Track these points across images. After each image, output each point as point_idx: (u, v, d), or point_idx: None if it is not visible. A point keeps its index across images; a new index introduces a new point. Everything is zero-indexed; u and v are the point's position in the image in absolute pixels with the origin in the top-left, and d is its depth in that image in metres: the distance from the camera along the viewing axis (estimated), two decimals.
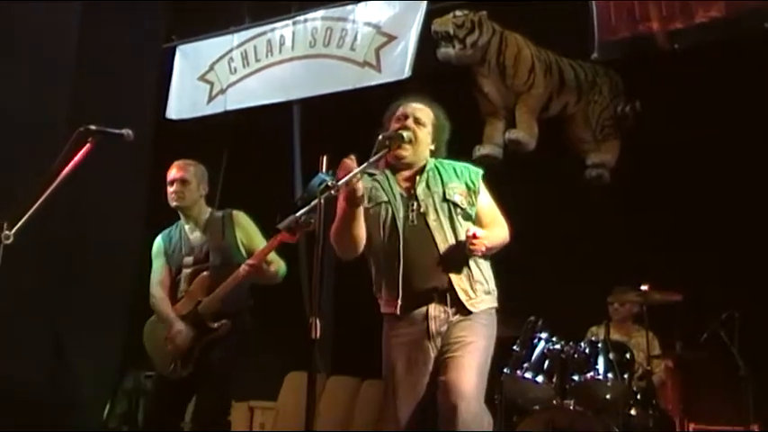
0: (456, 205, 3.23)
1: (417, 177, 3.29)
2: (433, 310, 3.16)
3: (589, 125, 6.30)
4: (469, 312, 3.14)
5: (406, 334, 3.20)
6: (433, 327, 3.15)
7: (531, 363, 4.85)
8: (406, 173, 3.32)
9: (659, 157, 5.80)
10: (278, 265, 4.23)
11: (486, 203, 3.33)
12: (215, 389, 4.05)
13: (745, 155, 5.48)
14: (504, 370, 4.85)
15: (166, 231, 4.41)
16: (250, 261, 4.04)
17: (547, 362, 4.86)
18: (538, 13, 5.65)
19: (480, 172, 3.38)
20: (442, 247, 3.16)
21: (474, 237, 3.08)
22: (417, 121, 3.29)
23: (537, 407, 4.76)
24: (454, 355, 3.08)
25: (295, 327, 3.47)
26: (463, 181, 3.31)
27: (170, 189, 4.28)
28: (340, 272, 6.72)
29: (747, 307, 5.01)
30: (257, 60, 6.40)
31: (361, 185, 3.11)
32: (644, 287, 5.08)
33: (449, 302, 3.15)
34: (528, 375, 4.81)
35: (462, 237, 3.16)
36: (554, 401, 4.73)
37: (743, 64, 5.30)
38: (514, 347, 4.92)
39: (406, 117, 3.29)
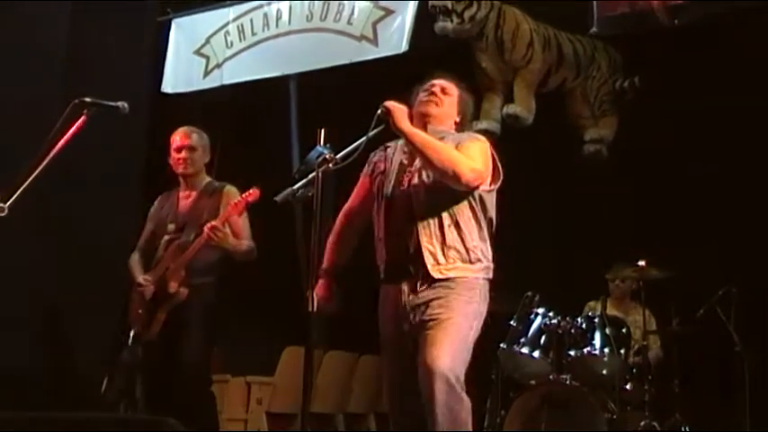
0: None
1: None
2: (406, 284, 3.12)
3: (587, 100, 6.28)
4: (435, 280, 3.06)
5: (389, 308, 3.20)
6: (404, 299, 3.11)
7: (528, 338, 4.86)
8: None
9: (658, 133, 5.78)
10: (247, 240, 4.21)
11: (464, 143, 3.19)
12: (184, 360, 4.04)
13: (744, 130, 5.46)
14: (501, 345, 4.87)
15: (166, 193, 4.47)
16: (211, 223, 4.03)
17: (544, 337, 4.87)
18: None
19: (471, 138, 3.25)
20: (420, 212, 3.12)
21: None
22: (444, 91, 3.31)
23: (533, 382, 4.78)
24: (428, 333, 3.01)
25: (292, 301, 3.48)
26: (453, 146, 3.18)
27: (177, 156, 4.30)
28: None
29: (744, 283, 5.02)
30: (254, 34, 6.34)
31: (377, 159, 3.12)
32: (641, 263, 5.08)
33: (416, 271, 3.09)
34: (525, 350, 4.83)
35: (447, 204, 3.11)
36: (550, 376, 4.75)
37: (742, 39, 5.26)
38: (511, 322, 4.93)
39: (433, 86, 3.31)
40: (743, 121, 5.45)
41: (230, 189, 4.32)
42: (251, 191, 4.09)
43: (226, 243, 4.08)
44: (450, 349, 2.99)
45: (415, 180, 3.17)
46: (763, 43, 5.20)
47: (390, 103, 3.13)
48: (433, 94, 3.29)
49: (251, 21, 6.35)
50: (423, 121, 3.25)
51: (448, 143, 3.17)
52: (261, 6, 6.35)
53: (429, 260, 3.07)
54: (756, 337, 5.04)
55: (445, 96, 3.31)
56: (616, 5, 5.27)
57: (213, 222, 4.04)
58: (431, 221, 3.11)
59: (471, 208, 3.16)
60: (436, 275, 3.07)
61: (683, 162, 5.71)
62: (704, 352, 5.24)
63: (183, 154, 4.28)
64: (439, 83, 3.34)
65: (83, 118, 3.17)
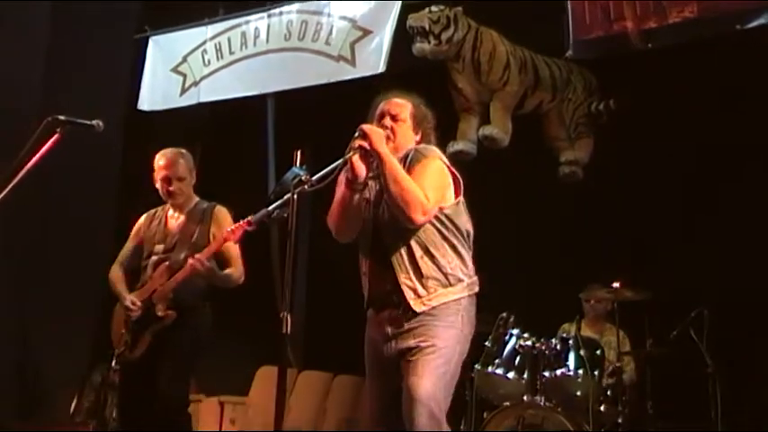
0: None
1: None
2: (390, 313, 3.12)
3: (563, 123, 6.32)
4: (417, 313, 3.06)
5: (373, 332, 3.21)
6: (389, 330, 3.12)
7: (503, 359, 4.87)
8: None
9: (632, 155, 5.84)
10: (237, 268, 4.15)
11: (418, 168, 3.14)
12: (166, 383, 3.96)
13: (716, 153, 5.53)
14: (476, 366, 4.87)
15: (153, 211, 4.36)
16: (197, 256, 3.96)
17: (518, 358, 4.88)
18: (513, 11, 5.65)
19: (422, 155, 3.18)
20: (391, 246, 3.12)
21: None
22: (395, 118, 3.25)
23: (507, 403, 4.78)
24: (411, 360, 3.02)
25: (267, 321, 3.46)
26: (406, 168, 3.15)
27: (166, 187, 4.18)
28: (313, 267, 6.72)
29: (716, 305, 5.07)
30: (231, 53, 6.34)
31: (363, 171, 3.11)
32: (615, 284, 5.12)
33: (399, 302, 3.09)
34: (499, 371, 4.83)
35: (414, 233, 3.09)
36: (524, 397, 4.75)
37: (716, 64, 5.34)
38: (486, 343, 4.95)
39: (382, 116, 3.27)
40: (716, 144, 5.52)
41: (220, 210, 4.24)
42: (248, 218, 3.97)
43: (211, 277, 4.03)
44: (432, 377, 2.99)
45: (385, 215, 3.16)
46: (736, 67, 5.28)
47: (368, 127, 3.12)
48: (383, 128, 3.20)
49: (228, 39, 6.36)
50: None
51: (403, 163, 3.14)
52: (239, 25, 6.36)
53: (410, 295, 3.08)
54: (728, 359, 5.08)
55: (397, 124, 3.24)
56: (591, 29, 5.32)
57: (198, 255, 3.96)
58: (403, 256, 3.10)
59: (439, 231, 3.15)
60: (419, 308, 3.08)
61: (657, 184, 5.76)
62: (677, 373, 5.26)
63: (174, 187, 4.16)
64: (388, 110, 3.27)
65: (56, 136, 3.15)
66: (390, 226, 3.14)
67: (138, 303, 4.10)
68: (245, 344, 6.27)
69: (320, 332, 6.32)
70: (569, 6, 5.31)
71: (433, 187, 3.11)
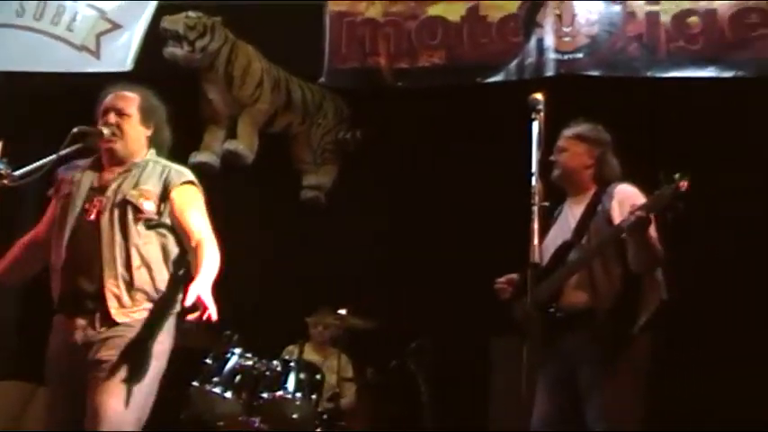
0: (137, 209, 2.98)
1: (119, 174, 3.07)
2: (83, 319, 2.91)
3: (311, 147, 6.37)
4: (116, 323, 2.89)
5: (60, 339, 2.98)
6: (78, 337, 2.90)
7: (222, 377, 4.76)
8: (117, 168, 3.08)
9: (375, 185, 6.01)
10: None
11: (184, 213, 3.01)
12: None
13: (450, 193, 5.83)
14: (193, 383, 4.72)
15: None
16: None
17: (238, 377, 4.80)
18: (273, 29, 5.62)
19: (184, 179, 3.09)
20: (106, 250, 2.92)
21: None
22: (120, 113, 3.07)
23: (221, 423, 4.67)
24: (101, 376, 2.83)
25: None
26: (161, 185, 3.05)
27: None
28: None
29: (439, 337, 5.33)
30: None
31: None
32: (342, 311, 5.21)
33: (95, 309, 2.90)
34: (217, 390, 4.71)
35: (137, 243, 2.94)
36: (240, 418, 4.67)
37: (460, 110, 5.65)
38: (207, 360, 4.82)
39: (107, 112, 3.07)
40: (451, 184, 5.82)
41: None
42: None
43: None
44: (123, 396, 2.82)
45: (105, 213, 2.97)
46: (475, 116, 5.62)
47: None
48: (108, 125, 3.03)
49: None
50: (111, 160, 3.07)
51: (150, 176, 3.03)
52: None
53: (112, 303, 2.90)
54: (444, 390, 5.34)
55: (123, 119, 3.07)
56: (346, 59, 5.44)
57: None
58: (118, 261, 2.92)
59: (162, 245, 3.01)
60: (120, 319, 2.90)
61: (395, 217, 5.97)
62: (396, 401, 5.44)
63: None
64: (113, 104, 3.09)
65: None
66: (111, 228, 2.95)
67: None
68: None
69: (34, 341, 5.81)
70: (327, 34, 5.39)
71: (203, 216, 3.03)
